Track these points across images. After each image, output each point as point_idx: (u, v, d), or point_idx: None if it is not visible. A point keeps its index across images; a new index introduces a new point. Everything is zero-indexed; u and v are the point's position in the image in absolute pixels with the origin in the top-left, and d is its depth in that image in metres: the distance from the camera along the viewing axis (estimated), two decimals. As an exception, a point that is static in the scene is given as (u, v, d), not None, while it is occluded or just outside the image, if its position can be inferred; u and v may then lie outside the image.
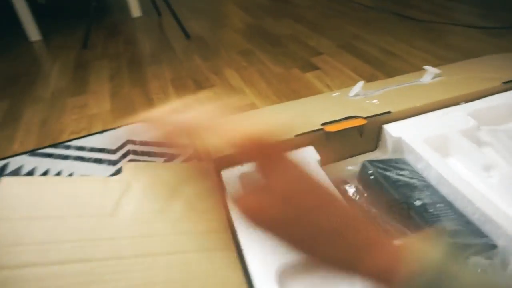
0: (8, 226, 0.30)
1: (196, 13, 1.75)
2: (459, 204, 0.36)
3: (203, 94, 1.02)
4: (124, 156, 0.81)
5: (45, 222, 0.30)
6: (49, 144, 0.89)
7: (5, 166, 0.83)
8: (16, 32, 1.79)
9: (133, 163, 0.38)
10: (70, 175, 0.78)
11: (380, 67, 1.05)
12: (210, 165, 0.41)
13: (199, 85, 1.08)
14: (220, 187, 0.37)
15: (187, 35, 1.45)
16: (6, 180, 0.35)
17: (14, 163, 0.83)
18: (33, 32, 1.67)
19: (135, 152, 0.82)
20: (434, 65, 0.65)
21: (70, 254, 0.28)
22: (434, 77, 0.57)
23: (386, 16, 1.41)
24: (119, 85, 1.14)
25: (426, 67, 0.59)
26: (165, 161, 0.78)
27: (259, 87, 1.02)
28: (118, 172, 0.75)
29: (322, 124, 0.44)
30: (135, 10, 1.79)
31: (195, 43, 1.40)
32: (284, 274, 0.29)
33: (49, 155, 0.84)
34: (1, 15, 1.98)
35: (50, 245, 0.28)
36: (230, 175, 0.40)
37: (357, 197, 0.38)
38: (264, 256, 0.30)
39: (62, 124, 0.97)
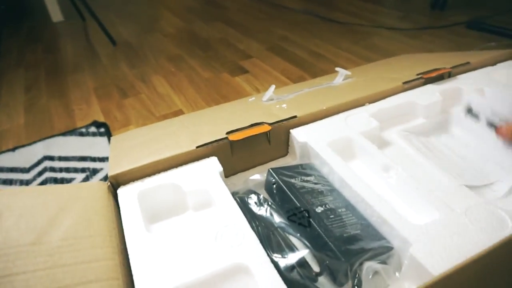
0: None
1: (125, 18, 1.68)
2: (360, 207, 0.37)
3: (128, 102, 0.97)
4: (39, 174, 0.75)
5: None
6: (-51, 167, 0.79)
7: None
8: None
9: (5, 191, 0.34)
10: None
11: (308, 69, 1.07)
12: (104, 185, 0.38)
13: (124, 93, 1.03)
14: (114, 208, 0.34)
15: (113, 42, 1.38)
16: None
17: None
18: None
19: (52, 169, 0.75)
20: (359, 66, 0.68)
21: None
22: (345, 79, 0.58)
23: (313, 19, 1.45)
24: (36, 96, 1.06)
25: (337, 68, 0.60)
26: (85, 178, 0.73)
27: (187, 93, 1.00)
28: None
29: (227, 133, 0.43)
30: (55, 14, 1.67)
31: (122, 50, 1.33)
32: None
33: None
34: None
35: None
36: (128, 192, 0.37)
37: (260, 208, 0.37)
38: (157, 280, 0.28)
39: (-34, 144, 0.87)
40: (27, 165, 0.78)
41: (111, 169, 0.38)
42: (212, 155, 0.41)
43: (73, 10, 1.59)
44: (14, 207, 0.31)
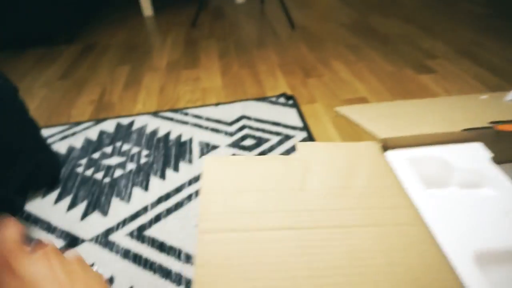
0: (224, 198, 0.34)
1: (299, 4, 1.76)
2: None
3: (311, 82, 1.03)
4: (240, 129, 0.85)
5: (250, 195, 0.34)
6: (169, 108, 0.96)
7: (132, 123, 0.91)
8: (131, 6, 1.95)
9: (305, 143, 0.40)
10: (190, 139, 0.84)
11: (507, 78, 0.97)
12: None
13: (307, 73, 1.09)
14: None
15: (292, 25, 1.47)
16: (209, 160, 0.39)
17: (139, 121, 0.92)
18: (147, 8, 1.80)
19: (250, 127, 0.85)
20: None
21: (279, 222, 0.31)
22: None
23: (507, 23, 1.30)
24: (228, 63, 1.20)
25: None
26: (279, 141, 0.81)
27: (371, 83, 1.01)
28: (236, 143, 0.80)
29: (491, 123, 0.42)
30: (240, -4, 1.85)
31: (300, 33, 1.41)
32: (484, 259, 0.29)
33: (170, 119, 0.91)
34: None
35: (260, 214, 0.32)
36: (397, 157, 0.40)
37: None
38: (458, 238, 0.30)
39: (179, 93, 1.04)
40: (229, 120, 0.89)
41: (378, 133, 0.42)
42: (474, 141, 0.41)
43: (256, -7, 1.74)
44: (316, 157, 0.37)
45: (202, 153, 0.78)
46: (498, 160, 0.42)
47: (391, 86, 0.98)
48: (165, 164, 0.75)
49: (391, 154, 0.40)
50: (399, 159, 0.39)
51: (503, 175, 0.37)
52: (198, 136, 0.84)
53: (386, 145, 0.41)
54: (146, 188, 0.69)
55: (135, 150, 0.81)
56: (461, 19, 1.41)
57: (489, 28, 1.30)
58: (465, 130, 0.41)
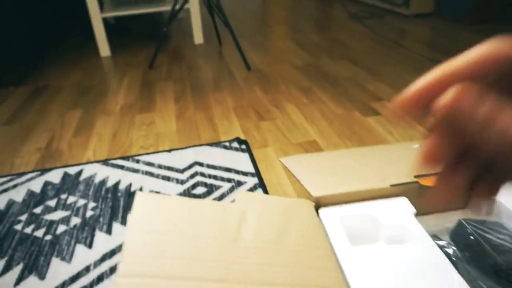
0: (152, 238, 0.33)
1: (256, 46, 1.83)
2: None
3: (264, 125, 1.06)
4: (192, 176, 0.85)
5: (182, 238, 0.33)
6: (120, 156, 0.94)
7: (80, 172, 0.88)
8: (88, 46, 1.94)
9: (244, 193, 0.41)
10: (141, 189, 0.82)
11: (442, 120, 1.05)
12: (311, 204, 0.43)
13: (261, 116, 1.12)
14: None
15: (248, 67, 1.51)
16: (141, 196, 0.38)
17: (88, 170, 0.89)
18: (104, 48, 1.80)
19: (202, 174, 0.85)
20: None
21: (208, 273, 0.30)
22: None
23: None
24: (184, 107, 1.21)
25: None
26: (231, 188, 0.81)
27: (320, 125, 1.05)
28: (187, 191, 0.79)
29: (415, 177, 0.45)
30: (198, 38, 1.90)
31: (255, 75, 1.46)
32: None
33: (121, 167, 0.89)
34: (76, 31, 2.15)
35: (189, 261, 0.31)
36: (329, 215, 0.42)
37: (455, 258, 0.38)
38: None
39: (132, 139, 1.02)
40: (181, 167, 0.89)
41: (312, 191, 0.43)
42: (400, 195, 0.44)
43: (212, 35, 1.80)
44: (253, 209, 0.38)
45: (152, 204, 0.76)
46: (422, 212, 0.45)
47: (340, 129, 1.02)
48: (112, 218, 0.73)
49: (323, 212, 0.42)
50: (331, 217, 0.41)
51: (423, 230, 0.39)
52: (149, 185, 0.82)
53: (319, 203, 0.43)
54: (90, 245, 0.66)
55: (81, 202, 0.78)
56: (404, 62, 1.52)
57: (429, 70, 1.41)
58: (392, 185, 0.44)
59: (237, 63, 1.59)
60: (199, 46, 1.89)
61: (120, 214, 0.74)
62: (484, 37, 0.21)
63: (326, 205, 0.43)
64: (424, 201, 0.44)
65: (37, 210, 0.76)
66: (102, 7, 1.83)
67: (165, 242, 0.33)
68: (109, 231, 0.69)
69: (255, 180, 0.82)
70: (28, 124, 1.14)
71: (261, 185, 0.81)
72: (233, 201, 0.39)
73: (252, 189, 0.79)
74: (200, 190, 0.80)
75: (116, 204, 0.76)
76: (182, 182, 0.83)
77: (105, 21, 1.81)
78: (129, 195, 0.79)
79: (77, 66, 1.68)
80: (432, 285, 0.34)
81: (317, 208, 0.43)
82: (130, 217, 0.36)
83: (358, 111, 1.12)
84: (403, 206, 0.42)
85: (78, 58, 1.80)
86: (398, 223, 0.40)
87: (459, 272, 0.37)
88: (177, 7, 1.58)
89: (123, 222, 0.72)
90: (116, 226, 0.71)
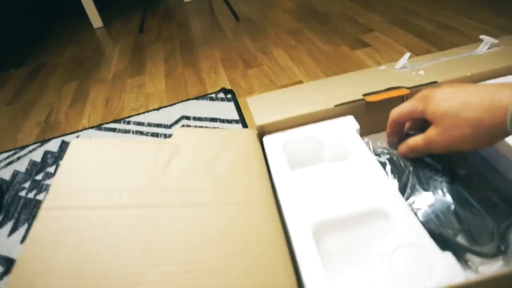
0: (79, 175, 0.35)
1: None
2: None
3: (251, 72, 1.05)
4: (178, 131, 0.87)
5: (109, 174, 0.35)
6: (113, 119, 0.97)
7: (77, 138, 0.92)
8: (81, 20, 1.94)
9: (183, 128, 0.42)
10: (131, 147, 0.85)
11: (435, 42, 1.00)
12: (254, 132, 0.43)
13: (248, 64, 1.11)
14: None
15: (237, 18, 1.48)
16: (76, 141, 0.41)
17: (83, 136, 0.93)
18: (96, 20, 1.80)
19: (189, 127, 0.87)
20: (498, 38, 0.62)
21: (129, 201, 0.32)
22: (490, 47, 0.54)
23: (445, -12, 1.32)
24: (173, 66, 1.21)
25: (482, 36, 0.56)
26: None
27: (308, 65, 1.03)
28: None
29: (363, 95, 0.44)
30: (187, -5, 1.85)
31: (244, 24, 1.42)
32: (319, 230, 0.31)
33: (113, 130, 0.93)
34: (68, 7, 2.15)
35: (113, 193, 0.33)
36: (272, 141, 0.42)
37: (395, 164, 0.38)
38: (301, 212, 0.33)
39: (123, 102, 1.05)
40: (169, 122, 0.91)
41: (257, 120, 0.44)
42: (348, 115, 0.43)
43: (202, -11, 1.74)
44: (189, 142, 0.39)
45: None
46: (368, 131, 0.45)
47: (327, 66, 1.00)
48: (105, 176, 0.77)
49: (267, 139, 0.43)
50: (273, 143, 0.42)
51: (364, 145, 0.39)
52: (139, 143, 0.85)
53: (264, 131, 0.43)
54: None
55: (77, 166, 0.82)
56: (400, -12, 1.43)
57: None
58: (337, 105, 0.44)
59: (227, 16, 1.54)
60: (189, 3, 1.85)
61: (112, 172, 0.78)
62: None
63: (271, 132, 0.43)
64: (372, 119, 0.44)
65: (38, 177, 0.81)
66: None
67: (90, 178, 0.35)
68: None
69: (239, 127, 0.83)
70: (28, 101, 1.19)
71: (244, 130, 0.82)
72: (169, 136, 0.41)
73: (235, 135, 0.81)
74: (186, 141, 0.82)
75: (109, 164, 0.80)
76: (170, 136, 0.86)
77: (93, -9, 1.79)
78: (121, 154, 0.83)
79: (73, 40, 1.70)
80: (367, 193, 0.34)
81: (262, 136, 0.43)
82: (63, 161, 0.38)
83: (346, 46, 1.08)
84: (348, 124, 0.42)
85: (73, 33, 1.81)
86: (340, 142, 0.40)
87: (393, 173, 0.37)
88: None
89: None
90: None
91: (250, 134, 0.42)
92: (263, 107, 0.50)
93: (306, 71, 1.00)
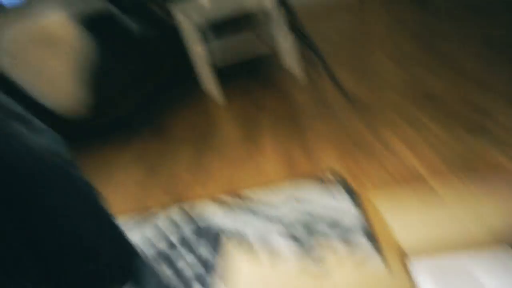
0: None
1: (352, 71, 1.78)
2: None
3: (364, 160, 1.04)
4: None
5: None
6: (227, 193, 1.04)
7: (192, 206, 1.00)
8: (197, 88, 2.15)
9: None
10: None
11: None
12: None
13: (360, 148, 1.10)
14: None
15: (346, 96, 1.50)
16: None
17: (199, 205, 1.00)
18: (216, 96, 1.95)
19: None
20: None
21: None
22: None
23: None
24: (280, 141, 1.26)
25: None
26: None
27: (427, 156, 0.98)
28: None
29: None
30: (293, 67, 1.95)
31: (352, 104, 1.43)
32: None
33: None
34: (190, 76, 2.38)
35: None
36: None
37: None
38: None
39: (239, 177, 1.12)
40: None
41: (400, 236, 0.42)
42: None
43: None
44: None
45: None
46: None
47: (450, 159, 0.94)
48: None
49: (414, 264, 0.40)
50: (423, 271, 0.39)
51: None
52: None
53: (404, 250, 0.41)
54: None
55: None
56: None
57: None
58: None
59: (334, 91, 1.58)
60: (296, 77, 1.94)
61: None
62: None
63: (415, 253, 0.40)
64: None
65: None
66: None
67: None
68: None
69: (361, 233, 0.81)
70: (154, 165, 1.34)
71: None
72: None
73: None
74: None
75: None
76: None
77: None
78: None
79: (192, 110, 1.88)
80: None
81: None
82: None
83: (468, 133, 1.01)
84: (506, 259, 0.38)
85: (193, 103, 1.99)
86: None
87: None
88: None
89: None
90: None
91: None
92: (399, 215, 0.48)
93: (426, 164, 0.95)
